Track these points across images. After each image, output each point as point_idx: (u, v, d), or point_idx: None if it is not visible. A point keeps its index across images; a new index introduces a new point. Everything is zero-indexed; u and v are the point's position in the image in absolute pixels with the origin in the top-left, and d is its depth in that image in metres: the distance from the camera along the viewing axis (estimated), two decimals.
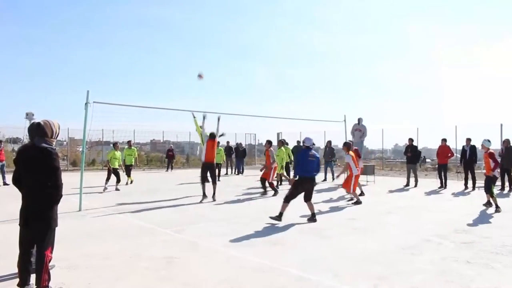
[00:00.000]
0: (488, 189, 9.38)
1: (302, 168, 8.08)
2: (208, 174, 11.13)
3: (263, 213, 8.85)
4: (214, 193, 10.96)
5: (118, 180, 14.00)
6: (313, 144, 8.63)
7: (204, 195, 10.79)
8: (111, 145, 15.54)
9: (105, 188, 13.39)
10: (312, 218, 8.01)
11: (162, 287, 4.29)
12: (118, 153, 14.52)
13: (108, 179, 13.68)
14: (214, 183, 11.11)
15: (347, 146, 10.90)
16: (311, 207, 8.12)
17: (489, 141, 9.71)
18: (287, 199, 7.98)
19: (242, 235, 6.76)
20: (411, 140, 15.83)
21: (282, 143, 14.42)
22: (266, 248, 5.97)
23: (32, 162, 3.97)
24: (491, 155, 9.42)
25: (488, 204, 9.53)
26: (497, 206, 9.20)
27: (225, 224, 7.70)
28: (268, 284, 4.38)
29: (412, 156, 15.44)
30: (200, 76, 11.64)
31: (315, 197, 10.09)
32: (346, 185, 10.59)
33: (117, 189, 13.58)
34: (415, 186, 14.99)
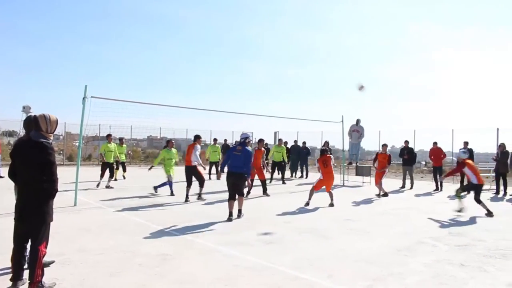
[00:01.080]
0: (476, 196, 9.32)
1: (228, 163, 8.20)
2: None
3: (259, 212, 8.86)
4: (199, 193, 10.63)
5: (111, 175, 13.62)
6: (246, 138, 8.39)
7: (186, 198, 10.33)
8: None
9: (99, 184, 13.00)
10: (238, 213, 8.07)
11: (156, 284, 4.28)
12: (112, 145, 13.95)
13: (102, 175, 13.24)
14: (199, 185, 10.57)
15: (321, 152, 10.89)
16: (239, 202, 8.14)
17: (464, 152, 9.86)
18: (229, 198, 8.08)
19: (237, 234, 6.76)
20: (407, 142, 15.90)
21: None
22: (261, 247, 5.97)
23: (27, 156, 3.95)
24: (460, 165, 9.52)
25: (460, 211, 9.24)
26: (460, 210, 9.20)
27: (220, 222, 7.69)
28: (262, 283, 4.38)
29: (408, 158, 15.50)
30: (362, 87, 13.54)
31: (314, 198, 10.11)
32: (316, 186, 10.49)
33: (109, 187, 13.02)
34: (411, 188, 15.03)
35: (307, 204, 10.05)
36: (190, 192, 10.49)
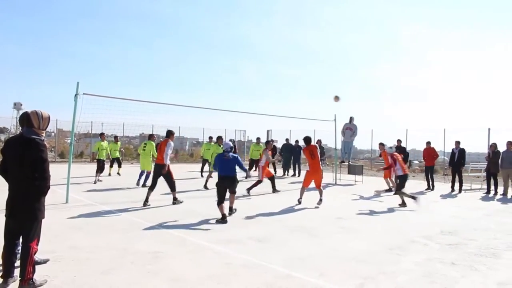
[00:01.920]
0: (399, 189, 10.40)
1: (219, 169, 8.16)
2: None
3: (250, 210, 8.85)
4: (174, 197, 9.60)
5: (102, 171, 14.15)
6: (231, 147, 8.35)
7: (146, 201, 9.23)
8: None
9: (97, 180, 13.61)
10: (232, 211, 8.30)
11: (148, 281, 4.26)
12: (104, 144, 14.74)
13: (98, 171, 13.83)
14: (172, 189, 9.62)
15: (306, 142, 10.85)
16: (231, 200, 8.26)
17: (391, 147, 11.05)
18: (218, 202, 7.84)
19: (230, 232, 6.76)
20: (399, 141, 15.99)
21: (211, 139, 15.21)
22: (253, 245, 5.97)
23: (19, 153, 3.92)
24: (392, 158, 10.56)
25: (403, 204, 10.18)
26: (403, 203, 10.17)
27: (213, 220, 7.68)
28: (254, 281, 4.38)
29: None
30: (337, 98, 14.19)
31: (306, 196, 10.14)
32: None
33: (99, 180, 13.75)
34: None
35: (300, 202, 10.06)
36: (155, 194, 9.63)
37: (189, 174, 17.74)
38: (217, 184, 8.09)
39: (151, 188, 9.39)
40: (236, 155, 8.35)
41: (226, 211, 7.90)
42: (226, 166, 8.15)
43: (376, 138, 25.35)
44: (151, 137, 13.76)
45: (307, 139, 10.73)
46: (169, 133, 9.88)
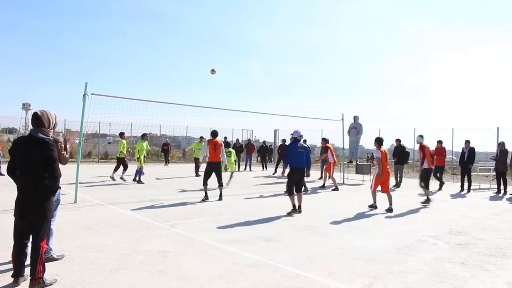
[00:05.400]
0: (423, 181, 10.69)
1: (293, 160, 8.64)
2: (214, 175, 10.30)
3: (258, 210, 8.86)
4: (220, 194, 10.33)
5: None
6: (301, 136, 9.08)
7: (206, 196, 10.15)
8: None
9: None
10: (298, 210, 8.58)
11: (157, 281, 4.28)
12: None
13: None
14: (221, 185, 10.36)
15: (379, 143, 9.86)
16: (299, 198, 8.65)
17: (421, 136, 11.08)
18: (290, 192, 8.58)
19: (237, 231, 6.76)
20: (398, 141, 15.89)
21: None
22: (261, 244, 5.97)
23: (29, 153, 3.94)
24: (422, 148, 10.76)
25: (427, 202, 10.46)
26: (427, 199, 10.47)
27: (221, 219, 7.69)
28: (262, 280, 4.38)
29: (400, 157, 15.48)
30: (213, 71, 13.52)
31: (311, 195, 10.13)
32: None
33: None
34: (398, 186, 15.06)
35: (376, 207, 9.49)
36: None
37: (200, 173, 17.74)
38: (291, 175, 8.60)
39: (207, 183, 10.17)
40: (306, 146, 9.00)
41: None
42: (301, 158, 8.64)
43: (383, 137, 25.24)
44: (144, 136, 14.99)
45: (380, 140, 9.87)
46: (216, 134, 10.48)
